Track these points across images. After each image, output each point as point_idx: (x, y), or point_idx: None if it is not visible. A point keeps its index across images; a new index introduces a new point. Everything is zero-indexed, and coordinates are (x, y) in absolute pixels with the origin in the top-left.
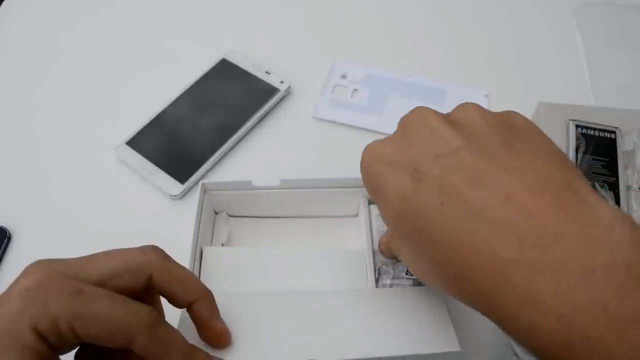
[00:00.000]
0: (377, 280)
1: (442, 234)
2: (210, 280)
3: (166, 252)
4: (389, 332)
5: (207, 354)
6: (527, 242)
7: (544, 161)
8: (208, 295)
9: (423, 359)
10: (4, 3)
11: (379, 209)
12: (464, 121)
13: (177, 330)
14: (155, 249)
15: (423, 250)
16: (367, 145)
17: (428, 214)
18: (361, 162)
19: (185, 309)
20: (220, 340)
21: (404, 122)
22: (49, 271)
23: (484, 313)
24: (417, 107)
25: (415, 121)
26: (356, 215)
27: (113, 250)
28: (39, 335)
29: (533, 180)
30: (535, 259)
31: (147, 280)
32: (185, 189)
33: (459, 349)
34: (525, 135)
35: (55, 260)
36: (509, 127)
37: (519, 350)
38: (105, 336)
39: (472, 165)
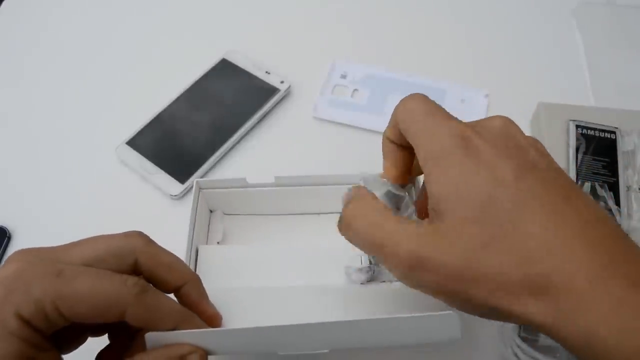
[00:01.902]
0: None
1: (536, 227)
2: (206, 278)
3: None
4: (382, 310)
5: (200, 320)
6: (619, 260)
7: (585, 198)
8: (195, 279)
9: (416, 331)
10: (3, 3)
11: (432, 183)
12: (532, 142)
13: (168, 296)
14: (140, 234)
15: (494, 248)
16: (425, 115)
17: (525, 209)
18: (434, 134)
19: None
20: (212, 324)
21: (489, 125)
22: (29, 258)
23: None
24: (502, 118)
25: (505, 129)
26: None
27: (97, 235)
28: (24, 321)
29: (595, 212)
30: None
31: (132, 265)
32: (185, 188)
33: (451, 312)
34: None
35: (38, 248)
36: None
37: (518, 351)
38: (95, 312)
39: (563, 186)
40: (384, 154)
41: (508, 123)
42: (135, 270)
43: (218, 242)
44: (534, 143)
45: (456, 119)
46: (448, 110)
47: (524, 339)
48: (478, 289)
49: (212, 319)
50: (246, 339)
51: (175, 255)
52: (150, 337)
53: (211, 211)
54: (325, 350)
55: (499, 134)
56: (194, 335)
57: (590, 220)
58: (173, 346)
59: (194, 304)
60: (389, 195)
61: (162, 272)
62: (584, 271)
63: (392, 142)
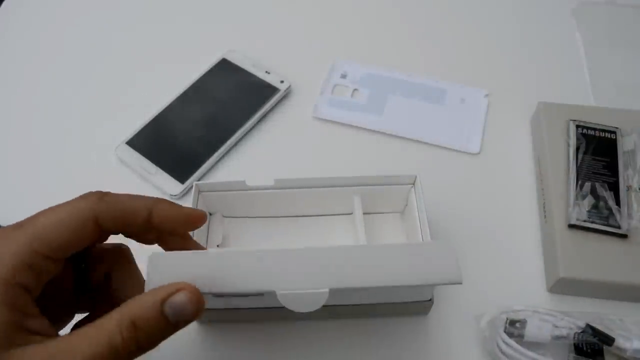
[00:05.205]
0: None
1: None
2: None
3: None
4: (391, 267)
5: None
6: None
7: None
8: (161, 199)
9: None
10: (4, 3)
11: None
12: None
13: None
14: (94, 192)
15: None
16: None
17: None
18: None
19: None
20: (198, 221)
21: None
22: None
23: None
24: None
25: None
26: (351, 214)
27: (53, 206)
28: (5, 283)
29: None
30: None
31: (94, 222)
32: (185, 188)
33: (447, 241)
34: None
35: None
36: None
37: (504, 346)
38: (72, 236)
39: None
40: None
41: None
42: (101, 226)
43: (218, 245)
44: None
45: None
46: (448, 110)
47: (509, 335)
48: None
49: (196, 219)
50: (244, 267)
51: (133, 194)
52: (153, 257)
53: (210, 214)
54: (325, 290)
55: None
56: (192, 256)
57: None
58: (160, 288)
59: (174, 214)
60: None
61: (126, 205)
62: None
63: None
